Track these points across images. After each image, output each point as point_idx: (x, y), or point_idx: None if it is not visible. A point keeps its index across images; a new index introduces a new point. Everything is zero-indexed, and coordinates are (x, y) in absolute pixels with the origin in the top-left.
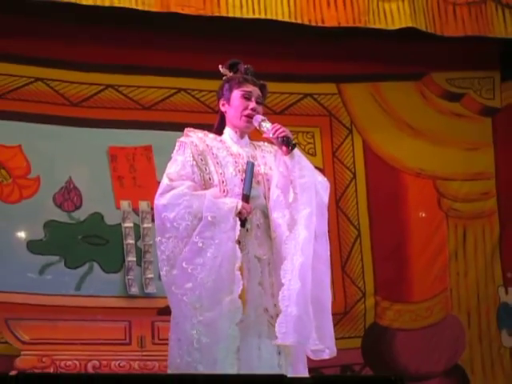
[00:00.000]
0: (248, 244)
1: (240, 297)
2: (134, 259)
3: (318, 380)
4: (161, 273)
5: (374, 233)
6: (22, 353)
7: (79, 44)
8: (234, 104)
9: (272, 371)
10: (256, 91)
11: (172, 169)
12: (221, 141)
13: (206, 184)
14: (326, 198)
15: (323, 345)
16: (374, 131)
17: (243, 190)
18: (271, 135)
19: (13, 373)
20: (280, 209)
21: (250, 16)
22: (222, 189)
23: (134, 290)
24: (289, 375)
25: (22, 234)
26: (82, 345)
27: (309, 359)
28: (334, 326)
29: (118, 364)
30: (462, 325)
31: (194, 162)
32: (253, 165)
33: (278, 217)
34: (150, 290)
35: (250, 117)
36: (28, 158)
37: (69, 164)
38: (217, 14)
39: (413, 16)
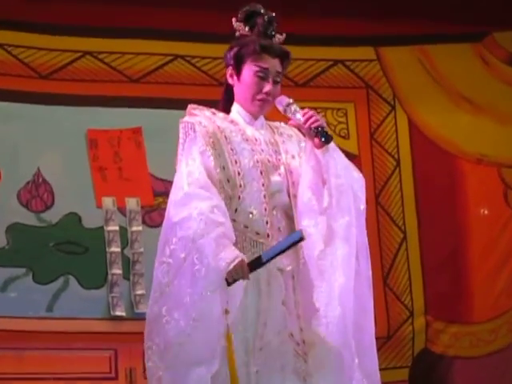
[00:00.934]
0: None
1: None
2: (120, 272)
3: None
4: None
5: (423, 236)
6: None
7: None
8: (246, 81)
9: None
10: (274, 66)
11: (189, 166)
12: (232, 121)
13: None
14: (363, 203)
15: None
16: (423, 107)
17: (264, 254)
18: (302, 124)
19: None
20: (312, 215)
21: None
22: (238, 183)
23: (121, 310)
24: None
25: None
26: (56, 380)
27: None
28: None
29: None
30: None
31: (210, 151)
32: (301, 238)
33: (310, 225)
34: (141, 309)
35: (263, 101)
36: None
37: (37, 152)
38: None
39: None
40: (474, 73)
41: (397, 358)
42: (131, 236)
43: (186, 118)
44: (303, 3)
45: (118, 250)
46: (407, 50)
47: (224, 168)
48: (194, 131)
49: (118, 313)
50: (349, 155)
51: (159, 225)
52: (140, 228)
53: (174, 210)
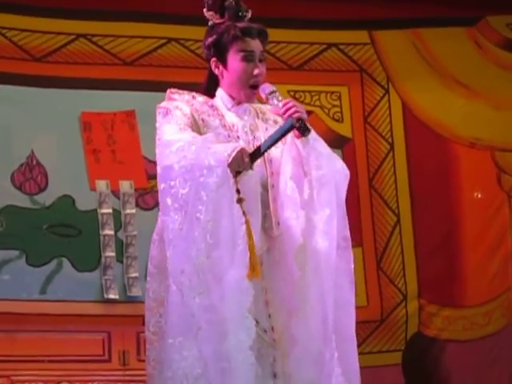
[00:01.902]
0: None
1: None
2: (114, 254)
3: None
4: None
5: (417, 219)
6: None
7: None
8: (234, 68)
9: None
10: (257, 45)
11: (168, 129)
12: (212, 106)
13: None
14: (344, 194)
15: (348, 382)
16: (417, 90)
17: (262, 144)
18: (281, 113)
19: None
20: (294, 207)
21: None
22: None
23: (114, 293)
24: None
25: None
26: (49, 363)
27: None
28: (368, 336)
29: None
30: None
31: (188, 129)
32: (292, 126)
33: (292, 217)
34: (134, 292)
35: (256, 86)
36: None
37: (30, 135)
38: None
39: None
40: (467, 56)
41: (390, 341)
42: (125, 219)
43: (163, 103)
44: None
45: (112, 232)
46: (401, 34)
47: None
48: (172, 116)
49: (112, 295)
50: (342, 138)
51: (153, 207)
52: (133, 211)
53: (163, 161)
